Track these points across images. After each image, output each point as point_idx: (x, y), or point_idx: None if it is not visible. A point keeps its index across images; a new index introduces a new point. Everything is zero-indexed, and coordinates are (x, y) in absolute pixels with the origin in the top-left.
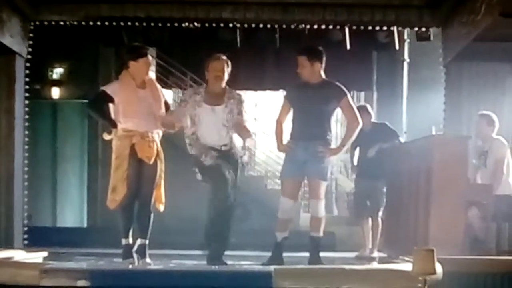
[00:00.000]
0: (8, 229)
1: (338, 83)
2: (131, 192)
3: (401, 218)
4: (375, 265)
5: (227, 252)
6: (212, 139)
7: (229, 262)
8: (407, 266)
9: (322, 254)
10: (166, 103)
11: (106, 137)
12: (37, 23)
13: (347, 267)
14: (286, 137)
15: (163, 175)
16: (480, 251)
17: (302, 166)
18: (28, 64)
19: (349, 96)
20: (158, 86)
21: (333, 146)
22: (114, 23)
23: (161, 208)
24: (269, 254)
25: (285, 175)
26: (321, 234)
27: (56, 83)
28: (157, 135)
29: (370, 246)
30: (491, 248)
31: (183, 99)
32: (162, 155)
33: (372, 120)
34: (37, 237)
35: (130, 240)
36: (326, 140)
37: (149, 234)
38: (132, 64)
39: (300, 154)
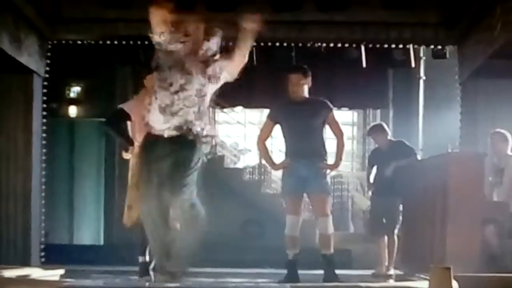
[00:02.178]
0: (25, 246)
1: (322, 99)
2: None
3: (417, 235)
4: (391, 283)
5: (244, 270)
6: (158, 123)
7: (245, 279)
8: (423, 284)
9: (338, 271)
10: None
11: (125, 156)
12: (55, 42)
13: (364, 284)
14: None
15: None
16: (496, 268)
17: (303, 182)
18: (45, 83)
19: (334, 110)
20: None
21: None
22: (131, 42)
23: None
24: (285, 271)
25: (287, 193)
26: (332, 250)
27: (73, 101)
28: None
29: (386, 264)
30: (508, 265)
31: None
32: None
33: (389, 137)
34: (54, 255)
35: (147, 258)
36: (322, 156)
37: None
38: (144, 81)
39: (301, 172)
